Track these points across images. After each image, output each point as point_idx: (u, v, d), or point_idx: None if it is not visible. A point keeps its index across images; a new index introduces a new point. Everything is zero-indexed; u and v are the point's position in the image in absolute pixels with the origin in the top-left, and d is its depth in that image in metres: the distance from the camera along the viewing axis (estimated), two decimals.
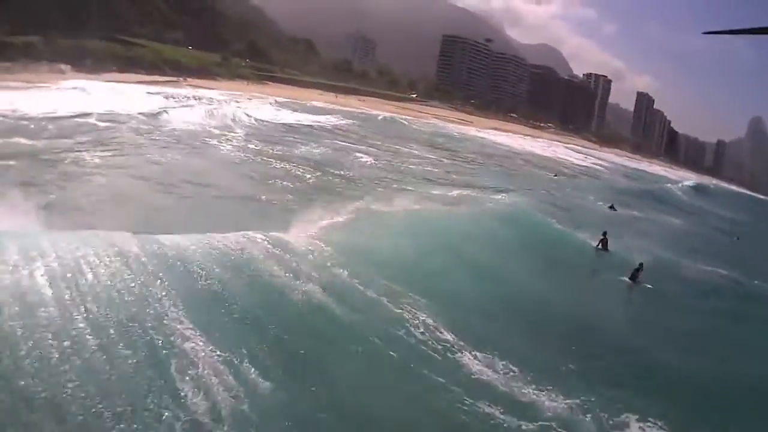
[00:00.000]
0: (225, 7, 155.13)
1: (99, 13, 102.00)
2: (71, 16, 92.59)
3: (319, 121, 70.61)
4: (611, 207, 42.92)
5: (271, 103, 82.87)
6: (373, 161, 44.95)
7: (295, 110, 79.21)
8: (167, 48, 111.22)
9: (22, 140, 30.63)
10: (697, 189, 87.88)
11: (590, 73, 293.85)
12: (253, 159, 36.83)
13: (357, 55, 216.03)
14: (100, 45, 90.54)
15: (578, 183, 64.50)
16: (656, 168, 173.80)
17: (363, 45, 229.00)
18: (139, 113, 47.53)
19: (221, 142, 41.35)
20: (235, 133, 47.26)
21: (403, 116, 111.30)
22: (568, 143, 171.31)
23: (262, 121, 60.65)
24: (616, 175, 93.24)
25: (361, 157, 45.46)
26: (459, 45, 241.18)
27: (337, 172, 36.84)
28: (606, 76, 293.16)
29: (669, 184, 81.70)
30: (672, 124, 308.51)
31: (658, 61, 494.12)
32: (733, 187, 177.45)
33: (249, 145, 41.93)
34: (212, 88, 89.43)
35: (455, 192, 35.08)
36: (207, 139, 41.63)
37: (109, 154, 30.96)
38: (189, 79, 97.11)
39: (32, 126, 35.23)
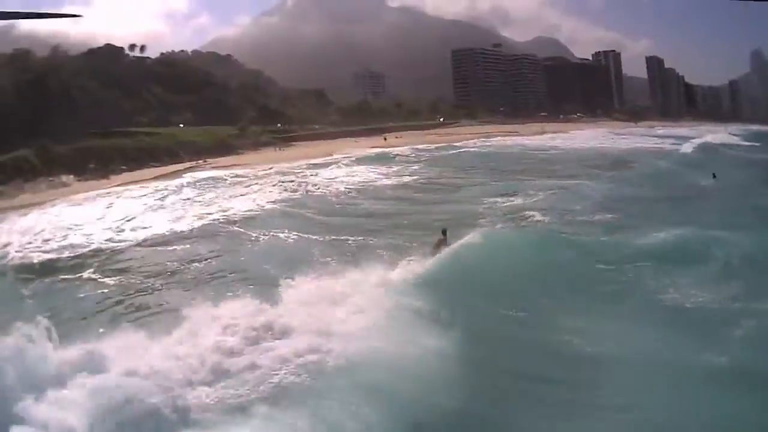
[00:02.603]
0: (223, 78, 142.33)
1: (92, 111, 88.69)
2: (62, 119, 79.12)
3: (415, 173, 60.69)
4: None
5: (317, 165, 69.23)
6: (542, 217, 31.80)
7: (368, 165, 67.78)
8: (178, 131, 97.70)
9: None
10: None
11: (598, 52, 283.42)
12: None
13: (368, 93, 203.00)
14: (103, 143, 76.63)
15: (728, 175, 50.69)
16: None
17: (372, 82, 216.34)
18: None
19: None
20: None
21: (457, 143, 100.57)
22: (616, 129, 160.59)
23: (356, 187, 50.86)
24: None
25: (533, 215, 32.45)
26: (470, 57, 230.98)
27: None
28: (614, 50, 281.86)
29: None
30: (686, 79, 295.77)
31: (649, 21, 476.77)
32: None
33: None
34: (241, 165, 74.65)
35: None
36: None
37: None
38: (209, 160, 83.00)
39: None
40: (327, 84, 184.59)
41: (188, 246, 30.01)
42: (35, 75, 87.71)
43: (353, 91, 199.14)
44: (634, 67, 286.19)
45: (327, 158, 76.94)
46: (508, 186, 46.89)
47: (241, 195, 48.01)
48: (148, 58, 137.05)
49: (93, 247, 30.56)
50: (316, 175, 60.65)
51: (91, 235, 33.55)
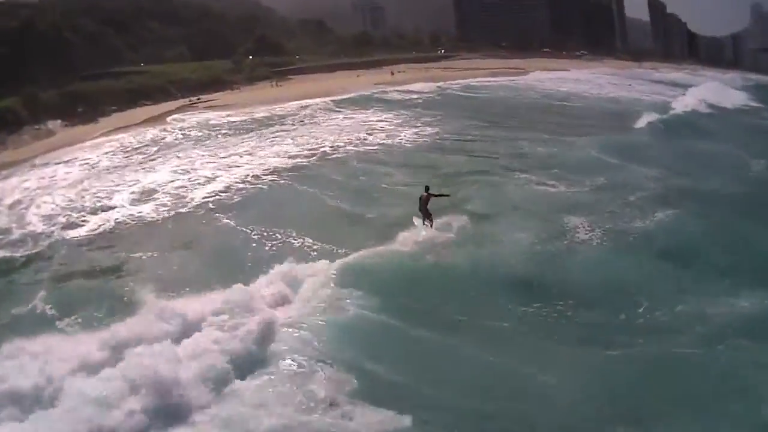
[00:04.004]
0: (220, 9, 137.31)
1: (85, 51, 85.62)
2: (54, 62, 76.10)
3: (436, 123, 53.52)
4: None
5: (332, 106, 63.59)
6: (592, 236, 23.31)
7: (380, 109, 61.88)
8: (171, 67, 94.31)
9: None
10: None
11: None
12: None
13: (368, 24, 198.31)
14: (91, 86, 74.18)
15: None
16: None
17: (372, 12, 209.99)
18: None
19: None
20: None
21: (470, 83, 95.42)
22: (622, 70, 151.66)
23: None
24: None
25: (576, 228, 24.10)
26: None
27: None
28: None
29: None
30: (688, 26, 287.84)
31: None
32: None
33: None
34: (235, 105, 70.49)
35: None
36: None
37: None
38: (202, 97, 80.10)
39: None
40: (326, 14, 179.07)
41: (151, 268, 22.39)
42: (23, 21, 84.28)
43: (352, 21, 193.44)
44: (636, 10, 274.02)
45: (330, 98, 68.57)
46: (541, 162, 36.61)
47: (235, 155, 40.84)
48: None
49: (52, 240, 26.54)
50: (323, 122, 54.57)
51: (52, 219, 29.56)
